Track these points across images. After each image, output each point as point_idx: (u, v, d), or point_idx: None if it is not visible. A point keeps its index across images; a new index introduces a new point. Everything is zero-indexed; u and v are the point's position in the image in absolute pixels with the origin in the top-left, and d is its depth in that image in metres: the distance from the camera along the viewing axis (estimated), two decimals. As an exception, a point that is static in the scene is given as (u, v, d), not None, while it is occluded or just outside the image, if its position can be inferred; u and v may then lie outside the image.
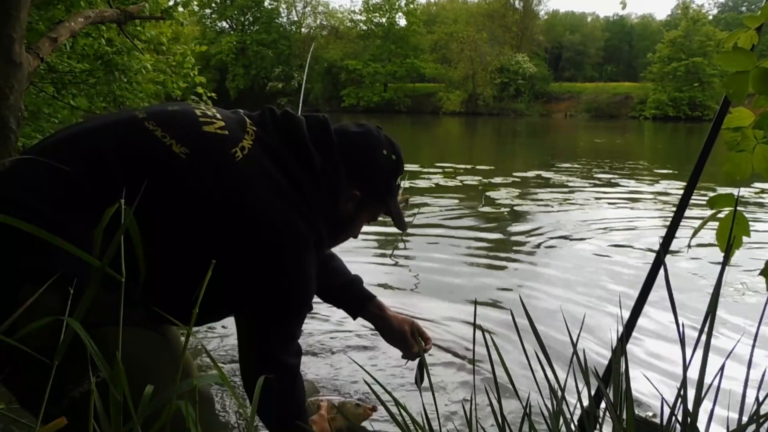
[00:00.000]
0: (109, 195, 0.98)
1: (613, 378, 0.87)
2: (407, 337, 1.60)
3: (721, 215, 1.05)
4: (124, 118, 1.16)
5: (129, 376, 0.69)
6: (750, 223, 1.07)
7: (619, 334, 0.92)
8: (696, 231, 1.07)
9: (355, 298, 1.64)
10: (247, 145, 1.14)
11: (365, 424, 1.64)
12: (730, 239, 0.94)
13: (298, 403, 1.30)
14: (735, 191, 1.10)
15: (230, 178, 1.09)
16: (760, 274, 1.04)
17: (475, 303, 1.11)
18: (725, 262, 0.86)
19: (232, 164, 1.10)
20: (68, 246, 0.66)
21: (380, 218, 1.45)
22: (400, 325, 1.61)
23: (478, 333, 1.71)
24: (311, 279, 1.20)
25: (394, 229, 4.32)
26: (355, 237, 1.44)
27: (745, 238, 1.05)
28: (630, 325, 1.16)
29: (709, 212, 1.09)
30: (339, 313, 2.53)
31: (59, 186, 1.00)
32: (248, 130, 1.18)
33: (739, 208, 1.07)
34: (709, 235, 1.11)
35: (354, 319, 1.68)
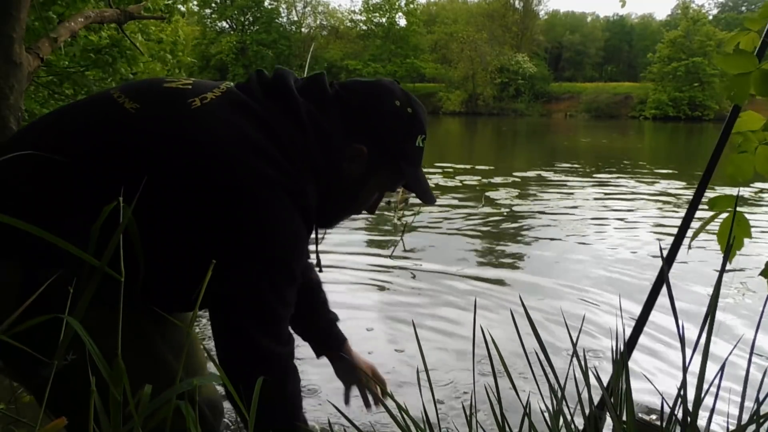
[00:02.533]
0: (70, 160, 0.95)
1: (614, 383, 0.87)
2: (360, 384, 1.49)
3: (722, 216, 1.05)
4: (92, 96, 1.14)
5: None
6: (753, 222, 1.07)
7: (619, 333, 0.92)
8: (696, 233, 1.07)
9: (333, 338, 1.48)
10: (210, 97, 1.02)
11: (365, 424, 1.64)
12: (730, 240, 0.94)
13: (291, 409, 1.10)
14: (735, 191, 1.09)
15: (180, 123, 0.98)
16: (761, 274, 1.04)
17: (475, 302, 1.10)
18: (724, 263, 0.86)
19: (186, 111, 0.99)
20: (66, 245, 0.66)
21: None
22: (359, 369, 1.48)
23: (478, 333, 1.70)
24: (285, 234, 1.00)
25: (393, 230, 4.33)
26: (370, 212, 1.24)
27: (745, 239, 1.05)
28: (633, 339, 1.16)
29: (709, 213, 1.09)
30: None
31: (28, 165, 0.96)
32: (221, 87, 1.07)
33: (739, 208, 1.07)
34: (713, 235, 1.11)
35: (318, 357, 1.51)
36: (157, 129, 0.98)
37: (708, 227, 1.10)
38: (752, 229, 1.06)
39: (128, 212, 0.68)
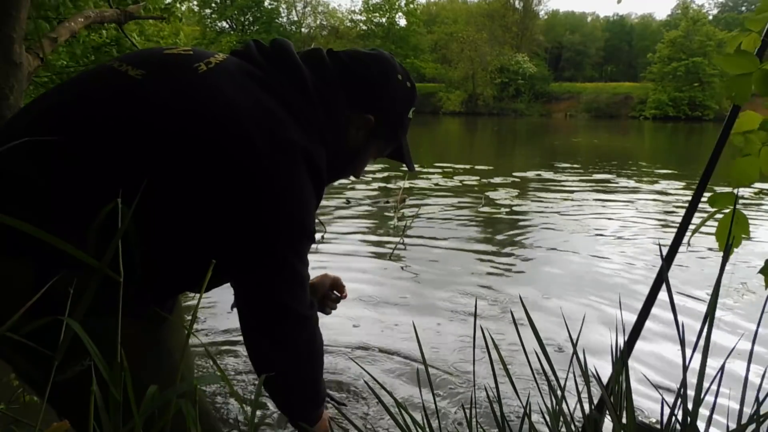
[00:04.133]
0: (72, 140, 0.92)
1: (614, 384, 0.87)
2: (324, 293, 1.53)
3: (720, 215, 1.05)
4: (90, 70, 1.10)
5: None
6: (750, 222, 1.07)
7: (618, 333, 0.92)
8: (695, 229, 1.07)
9: None
10: (214, 61, 1.02)
11: (365, 424, 1.64)
12: (729, 239, 0.94)
13: (314, 371, 1.15)
14: (734, 190, 1.09)
15: (192, 89, 0.96)
16: (760, 272, 1.04)
17: (476, 303, 1.09)
18: (724, 262, 0.86)
19: (194, 76, 0.98)
20: (67, 246, 0.66)
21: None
22: (320, 281, 1.52)
23: (479, 333, 1.71)
24: (305, 200, 1.01)
25: (393, 230, 4.33)
26: (357, 177, 1.29)
27: (746, 239, 1.05)
28: (632, 339, 1.16)
29: (707, 212, 1.09)
30: (337, 314, 2.54)
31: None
32: (221, 54, 1.07)
33: (738, 207, 1.07)
34: (712, 235, 1.10)
35: None
36: (167, 94, 0.96)
37: (708, 227, 1.10)
38: (753, 230, 1.06)
39: (128, 215, 0.67)
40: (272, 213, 0.97)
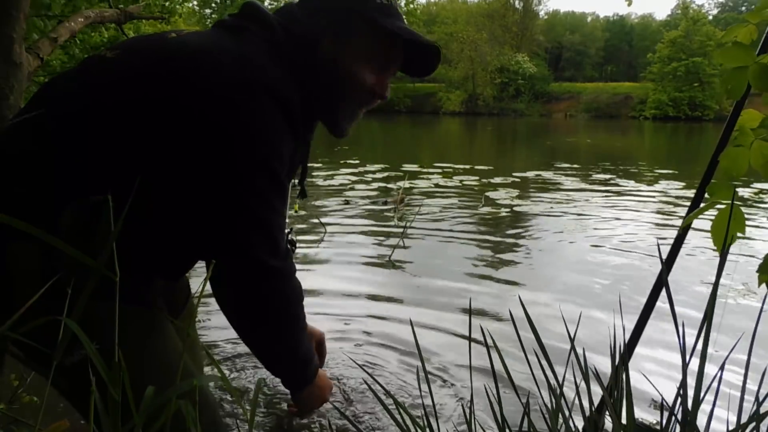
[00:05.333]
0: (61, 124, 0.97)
1: (613, 385, 0.87)
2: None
3: (716, 210, 1.05)
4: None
5: (128, 356, 0.67)
6: (752, 222, 1.07)
7: (618, 333, 0.92)
8: (691, 218, 1.07)
9: None
10: (186, 30, 1.07)
11: (364, 423, 1.64)
12: (727, 236, 0.94)
13: (292, 328, 1.10)
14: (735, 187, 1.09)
15: (158, 51, 1.00)
16: (758, 271, 1.04)
17: (470, 303, 1.10)
18: (723, 260, 0.86)
19: (164, 42, 1.02)
20: (63, 245, 0.66)
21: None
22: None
23: (478, 333, 1.70)
24: (263, 134, 0.97)
25: (393, 230, 4.33)
26: (382, 96, 1.16)
27: (748, 239, 1.05)
28: (633, 339, 1.16)
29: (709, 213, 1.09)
30: (335, 314, 2.54)
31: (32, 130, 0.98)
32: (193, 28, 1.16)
33: (739, 206, 1.07)
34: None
35: None
36: (138, 62, 0.99)
37: (706, 230, 1.10)
38: (753, 230, 1.06)
39: (120, 221, 0.67)
40: (228, 152, 0.95)
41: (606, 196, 6.37)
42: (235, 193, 0.97)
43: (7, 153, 0.97)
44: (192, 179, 0.96)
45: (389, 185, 6.46)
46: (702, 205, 1.07)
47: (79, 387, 0.84)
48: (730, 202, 0.97)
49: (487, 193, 6.19)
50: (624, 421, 0.83)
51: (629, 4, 3.03)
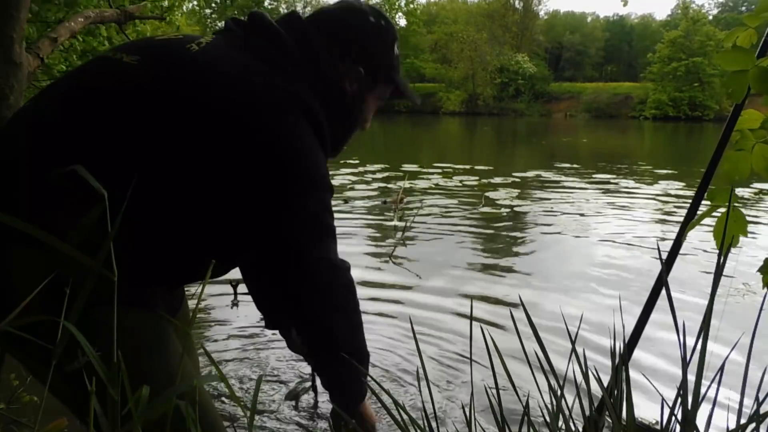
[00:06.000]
0: (73, 126, 0.96)
1: (614, 385, 0.87)
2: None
3: (718, 212, 1.05)
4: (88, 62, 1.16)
5: (127, 360, 0.68)
6: (753, 222, 1.07)
7: (618, 333, 0.92)
8: (693, 224, 1.07)
9: None
10: (203, 41, 1.06)
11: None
12: (725, 237, 0.94)
13: (353, 324, 1.14)
14: (735, 188, 1.09)
15: (186, 66, 1.00)
16: (758, 271, 1.04)
17: (471, 302, 1.10)
18: (723, 260, 0.86)
19: (187, 54, 1.01)
20: (61, 244, 0.66)
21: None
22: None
23: (478, 333, 1.70)
24: (309, 150, 1.03)
25: (393, 230, 4.33)
26: (364, 129, 1.31)
27: (749, 239, 1.05)
28: (633, 340, 1.16)
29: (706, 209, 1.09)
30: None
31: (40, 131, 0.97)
32: (206, 37, 1.11)
33: (740, 208, 1.07)
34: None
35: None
36: (164, 73, 0.99)
37: (707, 227, 1.10)
38: (755, 230, 1.06)
39: (117, 222, 0.67)
40: (278, 165, 0.99)
41: (606, 196, 6.37)
42: (289, 202, 1.02)
43: (10, 157, 0.95)
44: (240, 189, 0.98)
45: (389, 185, 6.46)
46: (701, 209, 1.07)
47: (82, 393, 0.84)
48: (731, 206, 0.97)
49: (487, 193, 6.19)
50: (624, 421, 0.83)
51: (624, 5, 3.04)
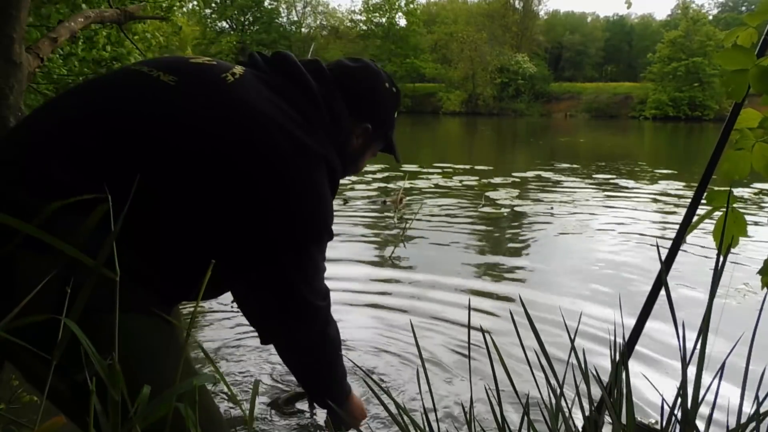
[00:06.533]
0: (101, 138, 0.96)
1: (613, 385, 0.87)
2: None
3: (718, 213, 1.05)
4: (114, 71, 1.19)
5: (136, 366, 0.69)
6: (754, 222, 1.07)
7: (618, 332, 0.92)
8: (692, 227, 1.07)
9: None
10: (238, 72, 1.10)
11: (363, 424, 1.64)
12: (724, 238, 0.94)
13: (335, 356, 1.31)
14: (734, 189, 1.09)
15: (224, 97, 1.03)
16: (759, 272, 1.04)
17: (469, 302, 1.11)
18: (722, 261, 0.86)
19: (224, 85, 1.05)
20: (61, 244, 0.66)
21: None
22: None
23: (479, 333, 1.70)
24: (327, 200, 1.14)
25: (393, 230, 4.33)
26: (356, 173, 1.45)
27: (749, 239, 1.05)
28: (632, 339, 1.16)
29: (706, 209, 1.09)
30: (337, 314, 2.54)
31: (62, 143, 0.96)
32: (238, 67, 1.15)
33: (739, 208, 1.07)
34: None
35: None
36: (202, 100, 1.02)
37: (709, 227, 1.10)
38: (756, 230, 1.06)
39: (120, 221, 0.67)
40: (296, 210, 1.08)
41: (606, 196, 6.37)
42: (299, 245, 1.12)
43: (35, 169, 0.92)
44: (255, 221, 1.05)
45: (389, 185, 6.46)
46: (699, 210, 1.07)
47: (84, 401, 0.83)
48: (729, 207, 0.97)
49: (487, 193, 6.19)
50: (624, 420, 0.83)
51: (628, 7, 3.04)
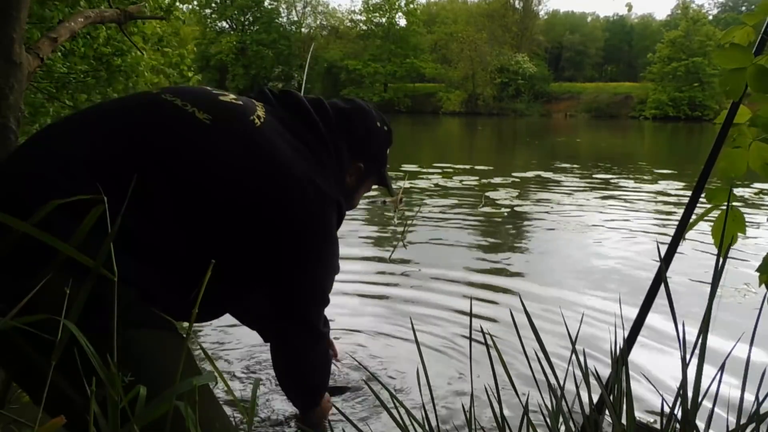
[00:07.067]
0: (133, 166, 0.97)
1: (613, 383, 0.87)
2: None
3: (718, 211, 1.05)
4: (140, 97, 1.18)
5: (153, 381, 0.71)
6: (754, 222, 1.07)
7: (618, 332, 0.92)
8: (692, 225, 1.07)
9: None
10: (261, 114, 1.16)
11: (364, 424, 1.64)
12: (723, 238, 0.94)
13: (327, 376, 1.45)
14: (733, 189, 1.09)
15: (255, 140, 1.10)
16: (757, 270, 1.04)
17: (470, 303, 1.12)
18: (721, 260, 0.86)
19: (255, 129, 1.12)
20: (61, 244, 0.66)
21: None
22: None
23: (479, 333, 1.71)
24: (336, 240, 1.27)
25: (393, 230, 4.33)
26: (352, 209, 1.51)
27: (750, 238, 1.05)
28: (632, 338, 1.16)
29: (705, 208, 1.09)
30: (337, 314, 2.54)
31: (82, 166, 0.96)
32: (256, 103, 1.21)
33: (740, 207, 1.07)
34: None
35: None
36: (236, 143, 1.08)
37: (709, 223, 1.10)
38: (756, 230, 1.06)
39: (117, 223, 0.68)
40: (315, 251, 1.20)
41: (606, 196, 6.37)
42: (314, 280, 1.25)
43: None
44: (276, 256, 1.16)
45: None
46: (698, 208, 1.07)
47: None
48: (729, 205, 0.97)
49: (487, 193, 6.19)
50: (624, 420, 0.83)
51: (629, 10, 3.05)
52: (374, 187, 1.57)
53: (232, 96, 1.18)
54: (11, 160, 1.02)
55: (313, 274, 1.22)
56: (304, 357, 1.35)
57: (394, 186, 5.77)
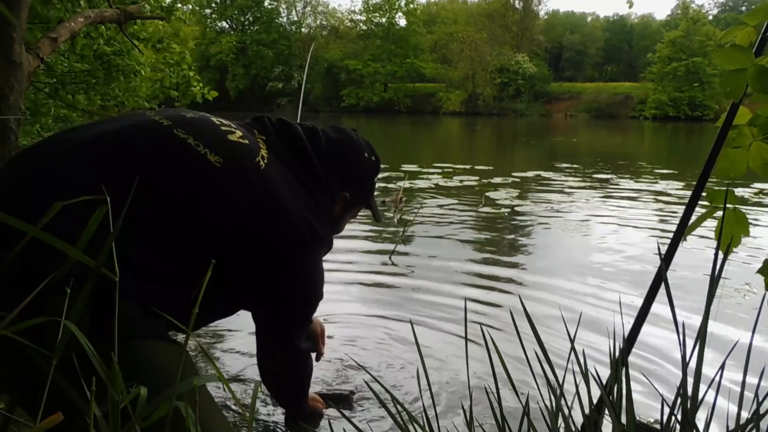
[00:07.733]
0: (146, 202, 1.01)
1: (613, 384, 0.87)
2: (318, 339, 1.75)
3: (719, 213, 1.05)
4: (148, 124, 1.14)
5: (155, 385, 0.74)
6: (755, 222, 1.07)
7: (618, 332, 0.92)
8: (693, 226, 1.07)
9: None
10: (265, 155, 1.22)
11: (364, 423, 1.64)
12: (721, 238, 0.94)
13: (307, 382, 1.56)
14: (733, 189, 1.09)
15: (261, 185, 1.17)
16: (758, 272, 1.04)
17: (465, 302, 1.12)
18: (722, 260, 0.86)
19: (260, 172, 1.18)
20: (61, 244, 0.66)
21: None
22: (314, 326, 1.73)
23: (478, 332, 1.70)
24: (323, 272, 1.36)
25: (393, 230, 4.33)
26: (337, 234, 1.57)
27: (750, 238, 1.05)
28: (632, 338, 1.16)
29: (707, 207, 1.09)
30: (337, 313, 2.54)
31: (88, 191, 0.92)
32: (258, 139, 1.27)
33: (740, 207, 1.07)
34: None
35: None
36: (242, 185, 1.14)
37: (710, 226, 1.10)
38: (757, 230, 1.06)
39: (118, 226, 0.68)
40: (305, 285, 1.30)
41: (606, 196, 6.37)
42: (301, 310, 1.36)
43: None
44: (270, 288, 1.25)
45: (389, 185, 6.46)
46: (699, 208, 1.07)
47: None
48: (731, 206, 0.97)
49: (487, 193, 6.20)
50: (624, 420, 0.83)
51: (630, 6, 3.04)
52: (376, 185, 1.58)
53: (239, 133, 1.22)
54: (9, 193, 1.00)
55: (299, 302, 1.32)
56: (283, 371, 1.47)
57: (394, 185, 5.70)
